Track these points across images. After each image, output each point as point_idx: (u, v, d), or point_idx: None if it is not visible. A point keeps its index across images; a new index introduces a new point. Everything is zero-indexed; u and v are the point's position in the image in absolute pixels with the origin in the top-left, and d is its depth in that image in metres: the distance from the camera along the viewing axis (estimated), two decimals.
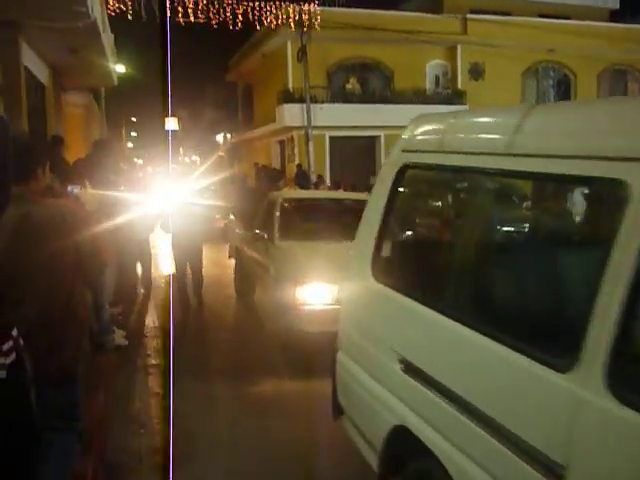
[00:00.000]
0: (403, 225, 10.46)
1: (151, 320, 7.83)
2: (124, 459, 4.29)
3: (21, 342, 2.30)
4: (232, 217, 11.12)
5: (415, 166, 3.23)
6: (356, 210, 7.74)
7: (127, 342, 6.55)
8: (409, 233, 8.97)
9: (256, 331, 7.63)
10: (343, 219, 7.85)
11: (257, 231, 7.78)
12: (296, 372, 5.98)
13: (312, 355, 5.86)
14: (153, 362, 6.38)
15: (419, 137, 3.25)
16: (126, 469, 4.19)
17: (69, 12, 7.78)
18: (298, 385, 5.79)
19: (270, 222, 7.77)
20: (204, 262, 8.93)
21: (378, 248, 3.25)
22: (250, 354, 6.71)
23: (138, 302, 8.96)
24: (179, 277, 8.15)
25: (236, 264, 9.70)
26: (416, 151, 3.21)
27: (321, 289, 6.19)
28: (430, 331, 2.71)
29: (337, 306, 5.28)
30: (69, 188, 3.85)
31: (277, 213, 7.74)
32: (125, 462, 4.26)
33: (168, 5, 15.90)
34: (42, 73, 11.67)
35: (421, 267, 3.28)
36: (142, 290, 9.49)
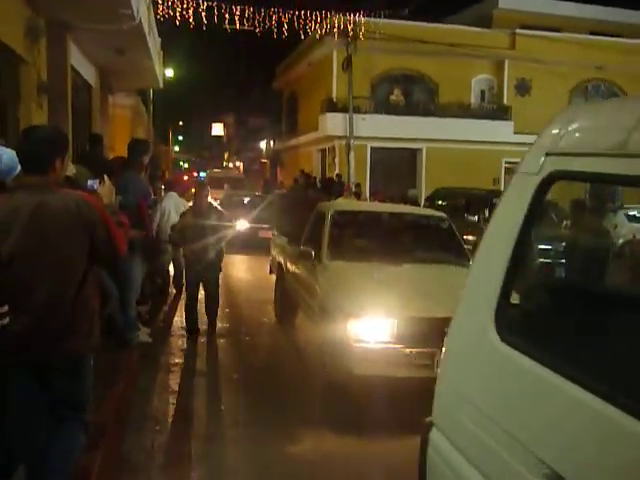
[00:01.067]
0: (552, 259, 8.82)
1: (179, 320, 7.92)
2: (136, 455, 4.33)
3: None
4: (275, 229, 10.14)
5: (571, 175, 2.20)
6: (419, 227, 7.50)
7: (151, 339, 6.64)
8: (562, 271, 7.82)
9: (294, 368, 6.45)
10: (404, 237, 7.16)
11: (303, 247, 6.85)
12: (344, 427, 4.91)
13: (365, 406, 5.16)
14: (176, 361, 6.44)
15: (578, 135, 2.24)
16: (137, 465, 4.22)
17: (115, 14, 7.97)
18: (346, 445, 4.70)
19: (318, 238, 6.76)
20: (238, 278, 8.75)
21: (507, 290, 2.19)
22: (285, 399, 5.52)
23: (168, 302, 9.12)
24: (189, 296, 7.36)
25: (277, 282, 8.62)
26: (573, 154, 2.16)
27: (378, 324, 5.17)
28: (606, 437, 1.58)
29: (397, 345, 5.04)
30: (89, 182, 3.93)
31: (327, 227, 6.73)
32: (136, 458, 4.29)
33: (216, 12, 16.16)
34: (89, 73, 11.96)
35: (590, 331, 2.16)
36: (173, 290, 9.65)
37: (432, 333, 4.87)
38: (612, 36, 25.43)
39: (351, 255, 6.49)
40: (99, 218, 2.87)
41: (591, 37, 24.75)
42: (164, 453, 4.46)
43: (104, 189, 4.21)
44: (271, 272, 9.44)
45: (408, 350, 5.05)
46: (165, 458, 4.40)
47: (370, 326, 5.17)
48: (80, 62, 10.94)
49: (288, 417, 5.07)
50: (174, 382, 5.89)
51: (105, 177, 4.38)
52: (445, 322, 4.32)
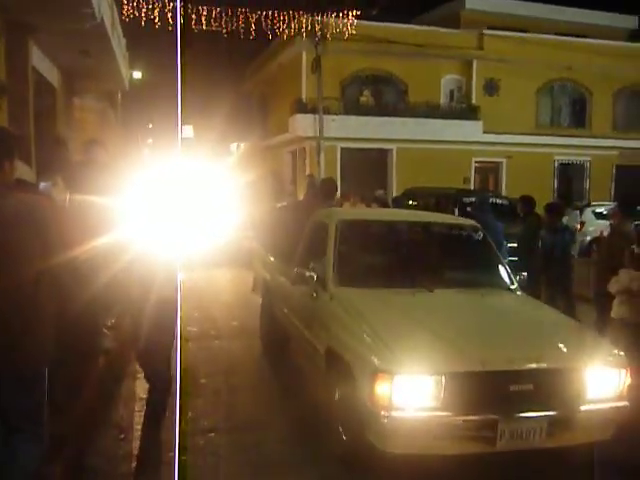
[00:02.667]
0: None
1: None
2: (100, 464, 4.21)
3: None
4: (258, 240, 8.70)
5: None
6: (448, 239, 5.98)
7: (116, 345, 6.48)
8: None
9: (288, 430, 4.93)
10: (431, 253, 5.77)
11: (298, 269, 5.41)
12: None
13: None
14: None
15: None
16: (101, 474, 4.11)
17: (75, 13, 7.81)
18: None
19: (321, 256, 5.37)
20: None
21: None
22: None
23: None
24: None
25: (263, 307, 7.24)
26: None
27: (419, 384, 3.82)
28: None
29: (445, 412, 3.78)
30: (41, 185, 3.79)
31: (332, 242, 5.32)
32: (100, 467, 4.18)
33: (182, 12, 15.97)
34: (52, 75, 11.73)
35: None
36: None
37: (493, 393, 3.87)
38: (578, 37, 25.78)
39: (366, 279, 5.11)
40: (53, 222, 2.76)
41: (558, 38, 25.06)
42: (128, 462, 4.34)
43: (57, 192, 4.05)
44: (254, 290, 8.03)
45: (461, 418, 3.80)
46: (129, 467, 4.29)
47: (408, 387, 3.81)
48: (43, 64, 10.72)
49: None
50: (140, 389, 5.76)
51: (59, 179, 4.23)
52: (511, 376, 3.90)
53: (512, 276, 5.57)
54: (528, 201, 8.59)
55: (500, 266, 5.66)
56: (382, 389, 3.80)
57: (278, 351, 6.77)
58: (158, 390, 4.14)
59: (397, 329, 4.26)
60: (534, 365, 4.05)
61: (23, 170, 3.69)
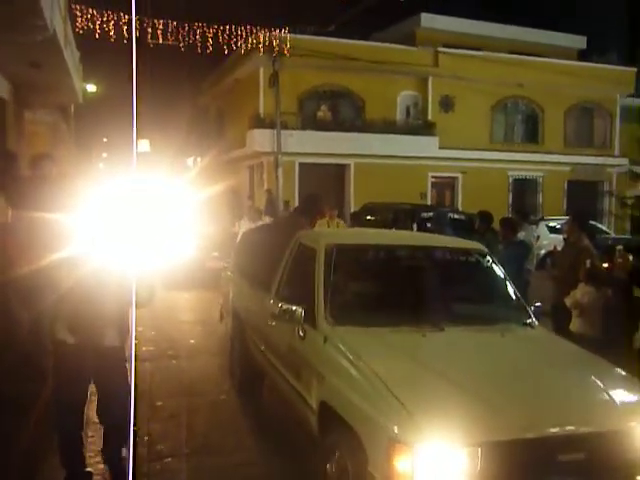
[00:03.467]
0: None
1: None
2: None
3: None
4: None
5: None
6: (452, 265, 5.28)
7: None
8: None
9: None
10: (434, 282, 5.09)
11: (283, 305, 4.52)
12: None
13: None
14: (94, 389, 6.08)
15: None
16: None
17: (27, 25, 7.56)
18: None
19: (307, 287, 4.66)
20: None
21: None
22: None
23: None
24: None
25: (234, 342, 6.60)
26: None
27: (449, 457, 3.07)
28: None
29: None
30: None
31: (321, 271, 4.64)
32: None
33: (137, 26, 15.79)
34: (2, 87, 11.39)
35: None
36: None
37: (539, 465, 3.18)
38: (530, 55, 26.39)
39: (364, 316, 4.42)
40: None
41: (510, 56, 25.58)
42: None
43: None
44: (222, 319, 7.52)
45: None
46: None
47: (435, 461, 3.03)
48: None
49: None
50: (93, 412, 5.55)
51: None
52: (560, 443, 3.15)
53: (527, 307, 4.96)
54: (486, 217, 8.67)
55: (513, 296, 5.04)
56: (401, 464, 2.98)
57: (251, 391, 6.05)
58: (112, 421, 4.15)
59: (413, 383, 3.45)
60: (587, 428, 3.35)
61: None
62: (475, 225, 13.76)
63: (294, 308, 4.45)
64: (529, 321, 4.81)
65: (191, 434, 5.11)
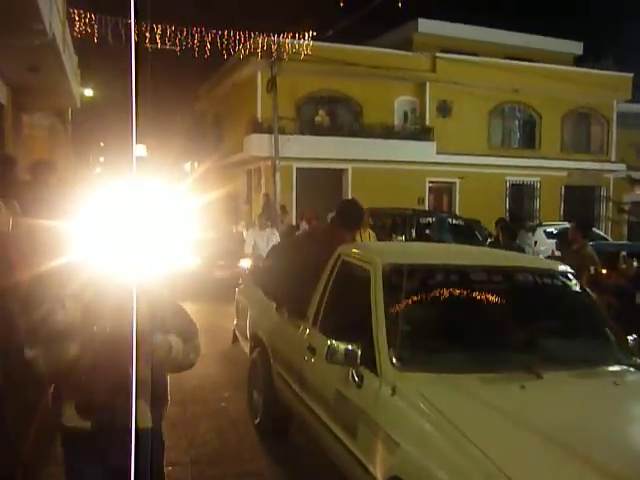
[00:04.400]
0: None
1: None
2: None
3: None
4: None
5: None
6: (536, 291, 4.42)
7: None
8: None
9: None
10: (524, 313, 4.23)
11: (333, 342, 3.57)
12: None
13: None
14: None
15: None
16: None
17: (25, 29, 7.54)
18: None
19: (361, 318, 3.84)
20: None
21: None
22: None
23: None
24: None
25: (255, 373, 5.60)
26: None
27: None
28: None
29: None
30: None
31: (381, 300, 3.79)
32: None
33: (136, 30, 15.75)
34: (0, 92, 11.35)
35: None
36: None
37: None
38: (527, 60, 26.45)
39: (440, 358, 3.60)
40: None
41: (507, 61, 25.64)
42: None
43: (0, 217, 3.82)
44: (235, 341, 6.86)
45: None
46: None
47: None
48: None
49: None
50: None
51: (0, 203, 4.00)
52: None
53: (626, 340, 4.08)
54: (508, 227, 8.38)
55: (609, 327, 4.17)
56: None
57: (276, 434, 5.16)
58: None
59: (529, 459, 2.62)
60: None
61: None
62: (475, 230, 13.79)
63: (348, 347, 3.46)
64: (637, 361, 3.89)
65: (192, 443, 5.06)
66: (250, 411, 5.67)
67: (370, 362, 3.50)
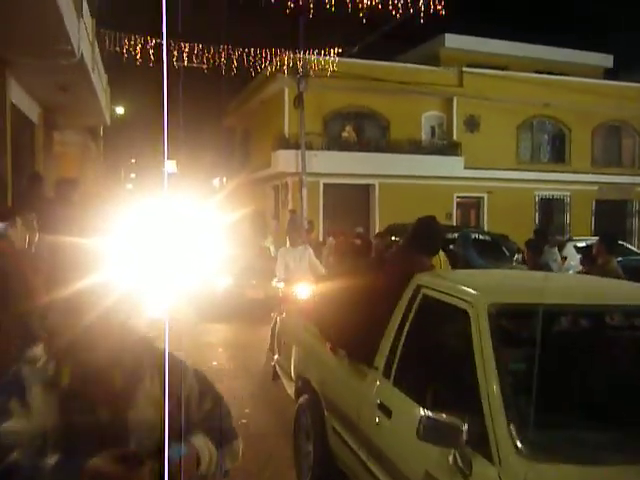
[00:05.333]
0: None
1: None
2: None
3: None
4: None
5: None
6: None
7: None
8: None
9: None
10: None
11: (424, 414, 2.61)
12: None
13: None
14: None
15: None
16: None
17: (54, 50, 7.74)
18: None
19: (460, 378, 3.04)
20: None
21: None
22: None
23: None
24: None
25: (302, 424, 4.73)
26: None
27: None
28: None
29: None
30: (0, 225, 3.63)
31: (491, 356, 2.81)
32: None
33: (166, 49, 16.05)
34: (32, 111, 11.62)
35: None
36: None
37: None
38: (556, 74, 26.25)
39: (581, 439, 2.57)
40: (12, 268, 2.62)
41: (536, 75, 25.48)
42: None
43: (15, 233, 3.88)
44: (276, 377, 6.05)
45: None
46: None
47: None
48: (22, 99, 10.61)
49: None
50: None
51: (17, 219, 4.07)
52: None
53: None
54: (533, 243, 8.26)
55: None
56: None
57: None
58: None
59: None
60: None
61: None
62: (502, 246, 13.64)
63: (448, 421, 2.53)
64: None
65: None
66: (297, 466, 4.77)
67: (481, 442, 2.53)
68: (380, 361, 3.65)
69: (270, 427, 6.06)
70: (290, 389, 5.30)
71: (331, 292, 5.11)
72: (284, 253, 9.11)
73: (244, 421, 6.02)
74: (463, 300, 3.16)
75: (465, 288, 3.31)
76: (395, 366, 3.49)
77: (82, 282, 4.20)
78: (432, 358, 3.34)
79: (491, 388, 2.67)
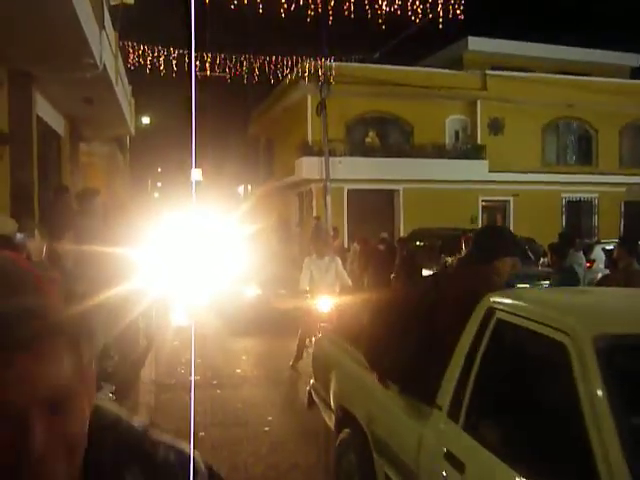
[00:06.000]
0: None
1: (146, 373, 7.62)
2: None
3: None
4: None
5: None
6: None
7: (114, 398, 6.32)
8: None
9: None
10: None
11: None
12: None
13: None
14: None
15: None
16: None
17: (77, 63, 7.86)
18: None
19: (561, 432, 2.31)
20: None
21: None
22: None
23: (137, 354, 8.78)
24: None
25: (345, 462, 4.04)
26: None
27: None
28: None
29: None
30: (17, 236, 3.68)
31: (602, 410, 2.04)
32: None
33: (190, 60, 16.21)
34: (57, 123, 11.81)
35: None
36: (145, 342, 9.33)
37: None
38: (581, 75, 25.94)
39: None
40: (30, 281, 2.64)
41: (560, 76, 25.20)
42: None
43: (33, 245, 3.93)
44: (311, 404, 5.21)
45: None
46: None
47: None
48: (47, 111, 10.79)
49: None
50: None
51: (36, 231, 4.13)
52: None
53: None
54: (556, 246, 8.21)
55: None
56: None
57: None
58: None
59: None
60: None
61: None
62: (528, 250, 13.50)
63: None
64: None
65: (233, 465, 5.08)
66: None
67: None
68: (444, 399, 2.99)
69: (292, 435, 6.04)
70: (328, 419, 4.65)
71: (378, 311, 4.31)
72: (309, 264, 8.71)
73: (267, 429, 6.03)
74: (556, 329, 2.43)
75: (557, 313, 2.62)
76: (465, 407, 2.82)
77: (106, 292, 4.23)
78: (515, 400, 2.69)
79: (611, 454, 1.96)
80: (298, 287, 8.68)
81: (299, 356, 8.47)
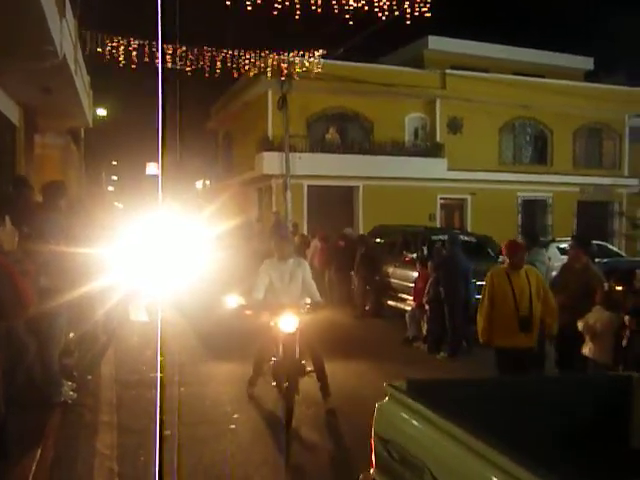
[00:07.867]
0: None
1: (107, 370, 7.45)
2: None
3: None
4: None
5: None
6: None
7: (75, 395, 6.17)
8: None
9: None
10: None
11: None
12: None
13: None
14: (103, 419, 5.97)
15: None
16: None
17: (37, 51, 7.62)
18: None
19: None
20: None
21: None
22: None
23: (96, 350, 8.57)
24: None
25: None
26: None
27: None
28: None
29: None
30: None
31: None
32: None
33: (154, 52, 15.93)
34: (12, 113, 11.46)
35: None
36: (104, 337, 9.11)
37: None
38: (537, 76, 26.43)
39: None
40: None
41: (517, 77, 25.64)
42: None
43: (4, 233, 3.77)
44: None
45: None
46: None
47: None
48: (3, 101, 10.47)
49: None
50: (101, 443, 5.44)
51: (7, 219, 3.95)
52: None
53: None
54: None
55: None
56: None
57: None
58: None
59: None
60: None
61: None
62: (487, 247, 13.67)
63: None
64: None
65: (201, 464, 4.99)
66: None
67: None
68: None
69: (258, 432, 5.94)
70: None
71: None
72: (268, 268, 6.66)
73: (233, 427, 5.96)
74: None
75: None
76: None
77: (71, 289, 4.11)
78: None
79: None
80: (250, 296, 6.77)
81: (253, 382, 6.90)
